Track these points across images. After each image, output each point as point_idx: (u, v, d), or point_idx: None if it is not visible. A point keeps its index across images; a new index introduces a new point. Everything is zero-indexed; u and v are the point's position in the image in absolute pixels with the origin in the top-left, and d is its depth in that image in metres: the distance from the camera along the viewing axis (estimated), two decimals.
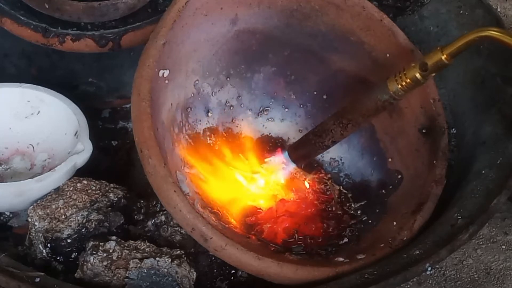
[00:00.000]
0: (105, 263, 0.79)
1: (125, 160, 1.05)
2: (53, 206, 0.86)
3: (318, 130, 0.92)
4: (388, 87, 0.82)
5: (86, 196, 0.88)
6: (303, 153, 0.96)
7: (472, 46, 0.77)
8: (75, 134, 0.94)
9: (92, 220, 0.85)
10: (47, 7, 0.97)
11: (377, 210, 0.93)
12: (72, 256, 0.84)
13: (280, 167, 0.99)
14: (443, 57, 0.77)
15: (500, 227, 1.08)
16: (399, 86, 0.81)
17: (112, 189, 0.90)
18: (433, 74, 0.80)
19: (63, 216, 0.85)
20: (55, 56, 1.07)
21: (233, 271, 0.86)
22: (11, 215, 0.92)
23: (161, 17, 0.86)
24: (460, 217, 0.83)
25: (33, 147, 0.99)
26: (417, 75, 0.80)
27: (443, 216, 0.85)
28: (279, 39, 0.98)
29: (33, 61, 1.09)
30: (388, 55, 0.95)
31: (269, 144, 1.03)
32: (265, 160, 1.00)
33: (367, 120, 0.89)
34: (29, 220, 0.86)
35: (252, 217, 0.91)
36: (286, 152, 0.98)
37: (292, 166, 1.00)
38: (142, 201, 0.91)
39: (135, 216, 0.89)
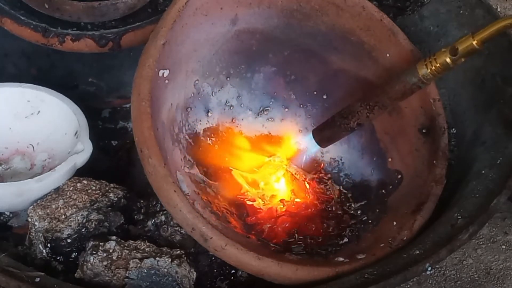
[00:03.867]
0: (105, 263, 0.79)
1: (125, 160, 1.05)
2: (53, 206, 0.86)
3: (345, 112, 0.92)
4: (418, 70, 0.82)
5: (86, 196, 0.88)
6: (328, 135, 0.96)
7: (503, 32, 0.77)
8: (75, 134, 0.94)
9: (92, 220, 0.85)
10: (47, 7, 0.97)
11: (377, 210, 0.93)
12: (72, 256, 0.84)
13: (280, 167, 0.99)
14: (474, 42, 0.77)
15: (500, 227, 1.08)
16: (429, 70, 0.81)
17: (112, 189, 0.90)
18: (463, 60, 0.80)
19: (63, 216, 0.85)
20: (55, 56, 1.07)
21: (233, 271, 0.86)
22: (11, 215, 0.92)
23: (161, 17, 0.86)
24: (460, 217, 0.83)
25: (33, 147, 0.99)
26: (447, 59, 0.80)
27: (443, 216, 0.85)
28: (279, 39, 0.98)
29: (33, 61, 1.09)
30: (388, 55, 0.95)
31: (269, 144, 1.03)
32: (265, 160, 1.00)
33: (394, 103, 0.89)
34: (29, 220, 0.86)
35: (252, 217, 0.91)
36: (311, 134, 0.98)
37: (293, 166, 1.00)
38: (142, 201, 0.91)
39: (135, 216, 0.89)
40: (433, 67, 0.81)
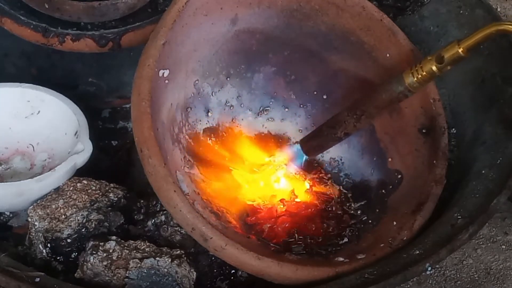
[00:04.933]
0: (105, 263, 0.79)
1: (125, 160, 1.05)
2: (53, 206, 0.86)
3: (332, 122, 0.92)
4: (404, 79, 0.82)
5: (86, 196, 0.88)
6: (316, 145, 0.97)
7: (489, 39, 0.76)
8: (75, 134, 0.94)
9: (92, 220, 0.85)
10: (47, 7, 0.97)
11: (377, 210, 0.93)
12: (72, 256, 0.84)
13: (280, 167, 0.99)
14: (459, 50, 0.77)
15: (500, 227, 1.08)
16: (415, 78, 0.81)
17: (112, 189, 0.90)
18: (449, 67, 0.80)
19: (63, 216, 0.85)
20: (55, 56, 1.07)
21: (233, 271, 0.86)
22: (11, 215, 0.92)
23: (161, 17, 0.86)
24: (460, 217, 0.83)
25: (33, 147, 0.99)
26: (433, 67, 0.79)
27: (443, 216, 0.85)
28: (279, 39, 0.98)
29: (33, 61, 1.09)
30: (388, 55, 0.95)
31: (269, 144, 1.03)
32: (265, 160, 1.00)
33: (381, 112, 0.89)
34: (29, 220, 0.86)
35: (252, 217, 0.91)
36: (298, 144, 0.98)
37: (293, 166, 1.00)
38: (142, 201, 0.91)
39: (135, 216, 0.89)
40: (420, 76, 0.81)
